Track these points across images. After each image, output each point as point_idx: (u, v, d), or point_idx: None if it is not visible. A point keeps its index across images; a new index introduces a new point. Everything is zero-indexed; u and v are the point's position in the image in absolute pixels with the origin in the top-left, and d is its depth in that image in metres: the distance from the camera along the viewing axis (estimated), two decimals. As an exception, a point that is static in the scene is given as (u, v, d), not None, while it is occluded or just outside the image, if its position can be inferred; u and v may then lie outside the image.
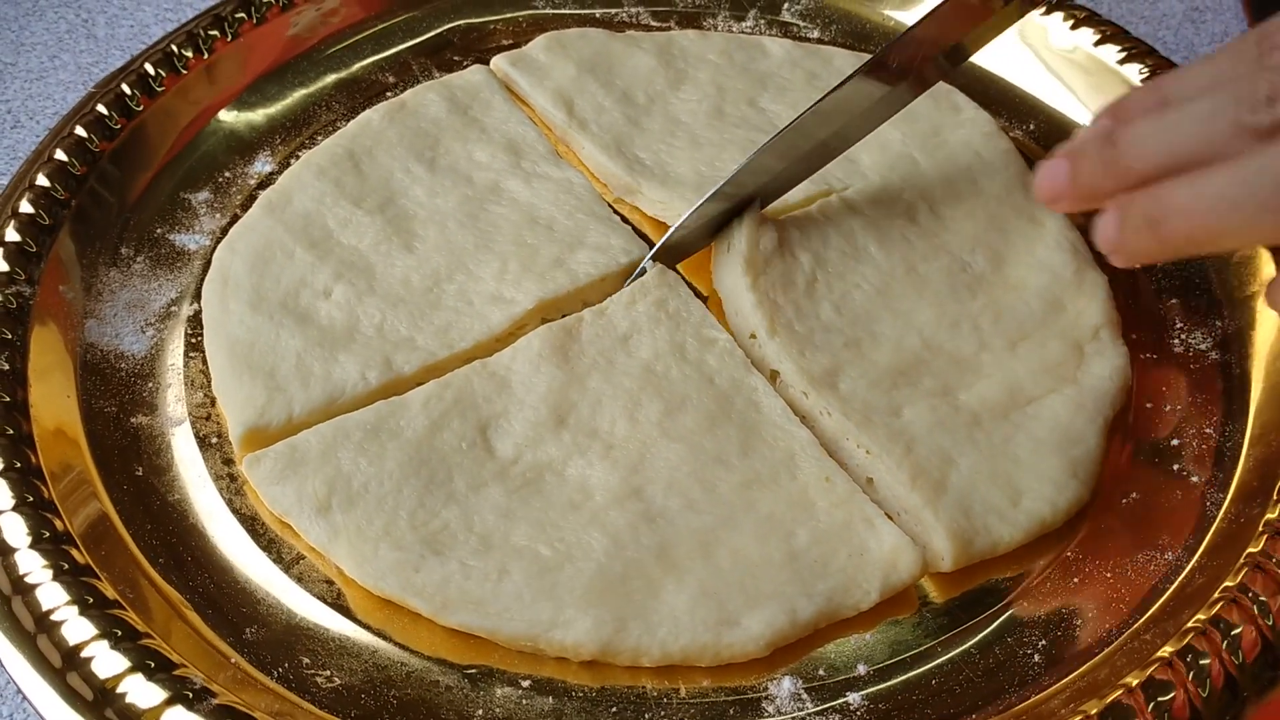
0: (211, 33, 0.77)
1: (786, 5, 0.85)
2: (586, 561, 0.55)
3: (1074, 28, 0.80)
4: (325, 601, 0.56)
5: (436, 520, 0.56)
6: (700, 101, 0.77)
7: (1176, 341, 0.67)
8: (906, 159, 0.73)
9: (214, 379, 0.63)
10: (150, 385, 0.64)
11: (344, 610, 0.56)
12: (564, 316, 0.65)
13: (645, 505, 0.57)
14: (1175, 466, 0.61)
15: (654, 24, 0.85)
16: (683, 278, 0.67)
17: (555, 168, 0.73)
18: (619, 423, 0.60)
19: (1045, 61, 0.80)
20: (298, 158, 0.74)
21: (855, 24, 0.85)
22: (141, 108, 0.73)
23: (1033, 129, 0.79)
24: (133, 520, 0.58)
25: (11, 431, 0.58)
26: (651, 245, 0.69)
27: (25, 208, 0.66)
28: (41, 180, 0.68)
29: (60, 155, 0.69)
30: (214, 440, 0.61)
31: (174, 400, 0.63)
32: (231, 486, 0.60)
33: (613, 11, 0.85)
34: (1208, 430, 0.63)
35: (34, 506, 0.55)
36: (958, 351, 0.63)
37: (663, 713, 0.53)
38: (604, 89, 0.77)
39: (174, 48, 0.76)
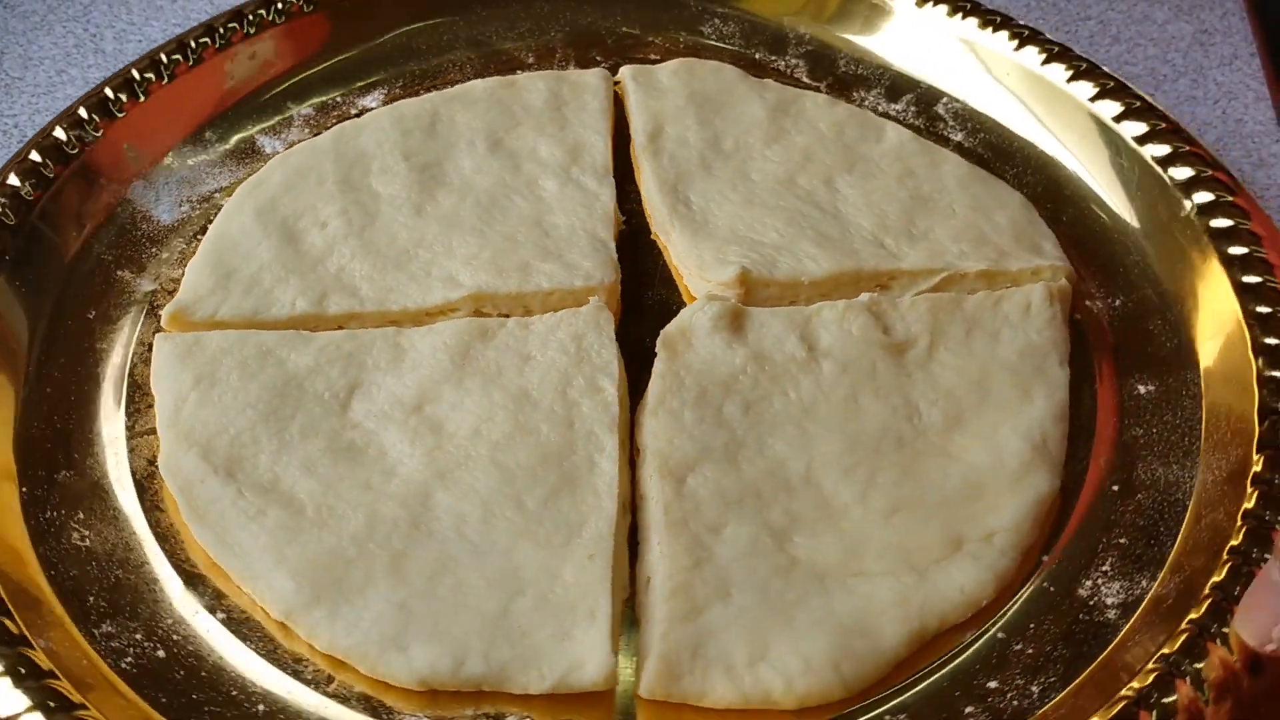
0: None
1: (944, 100, 0.78)
2: (330, 536, 0.56)
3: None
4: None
5: (254, 445, 0.59)
6: (780, 164, 0.73)
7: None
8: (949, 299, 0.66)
9: (193, 258, 0.69)
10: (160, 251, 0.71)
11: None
12: (500, 315, 0.66)
13: (423, 511, 0.57)
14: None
15: (805, 80, 0.81)
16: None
17: (596, 181, 0.72)
18: (463, 429, 0.60)
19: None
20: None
21: (1001, 137, 0.76)
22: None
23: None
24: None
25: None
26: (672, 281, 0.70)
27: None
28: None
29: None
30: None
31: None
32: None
33: (772, 58, 0.82)
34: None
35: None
36: (831, 498, 0.57)
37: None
38: (700, 125, 0.75)
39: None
